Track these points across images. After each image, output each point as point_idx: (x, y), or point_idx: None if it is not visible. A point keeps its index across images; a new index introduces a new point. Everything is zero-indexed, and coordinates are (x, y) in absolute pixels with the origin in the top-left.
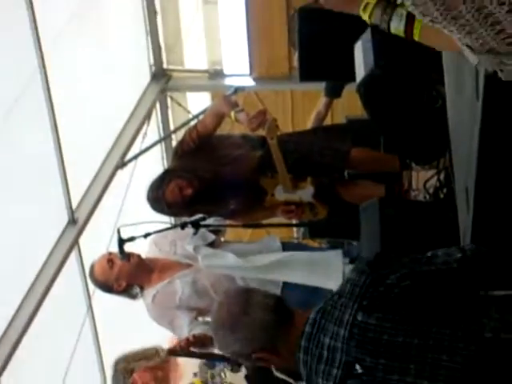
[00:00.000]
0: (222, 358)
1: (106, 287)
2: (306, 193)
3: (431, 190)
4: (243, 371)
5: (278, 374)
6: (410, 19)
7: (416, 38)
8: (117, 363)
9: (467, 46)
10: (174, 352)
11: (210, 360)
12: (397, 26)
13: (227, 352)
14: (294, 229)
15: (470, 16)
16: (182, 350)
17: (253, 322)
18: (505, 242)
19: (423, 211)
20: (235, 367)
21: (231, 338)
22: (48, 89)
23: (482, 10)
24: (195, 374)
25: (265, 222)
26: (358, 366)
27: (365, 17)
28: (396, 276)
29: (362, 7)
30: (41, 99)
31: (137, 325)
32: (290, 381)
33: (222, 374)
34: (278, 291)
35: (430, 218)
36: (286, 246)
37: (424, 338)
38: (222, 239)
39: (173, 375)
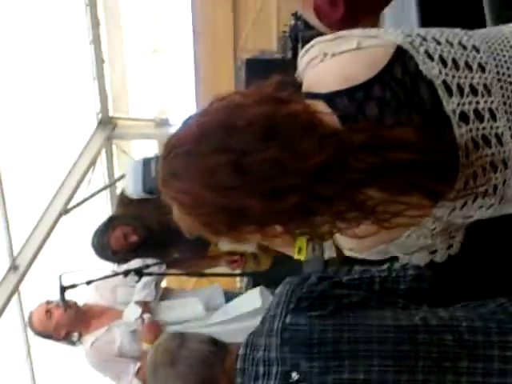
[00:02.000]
0: None
1: (45, 336)
2: (251, 244)
3: None
4: None
5: None
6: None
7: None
8: None
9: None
10: None
11: None
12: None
13: None
14: (237, 278)
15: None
16: None
17: (191, 353)
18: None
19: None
20: None
21: (172, 373)
22: None
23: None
24: None
25: (208, 271)
26: (294, 374)
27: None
28: (316, 276)
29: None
30: None
31: (76, 370)
32: None
33: None
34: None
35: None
36: (230, 296)
37: (353, 331)
38: (164, 284)
39: None
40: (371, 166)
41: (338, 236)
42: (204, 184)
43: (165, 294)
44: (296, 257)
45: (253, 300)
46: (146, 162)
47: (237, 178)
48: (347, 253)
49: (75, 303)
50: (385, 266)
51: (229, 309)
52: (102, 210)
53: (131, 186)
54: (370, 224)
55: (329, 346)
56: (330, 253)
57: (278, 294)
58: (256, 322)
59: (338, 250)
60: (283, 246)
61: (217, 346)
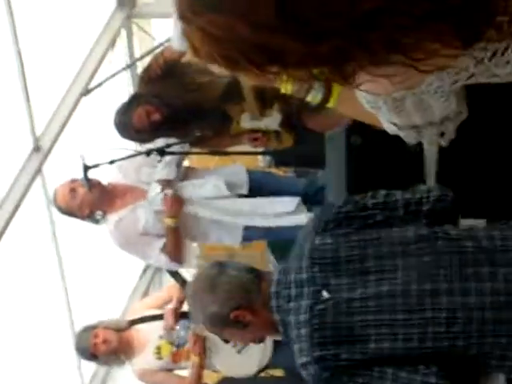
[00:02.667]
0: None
1: (69, 214)
2: (273, 120)
3: None
4: None
5: None
6: (328, 88)
7: (331, 105)
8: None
9: (393, 123)
10: (135, 322)
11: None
12: (315, 95)
13: (204, 317)
14: (260, 157)
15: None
16: None
17: (230, 280)
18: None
19: (390, 140)
20: None
21: (210, 298)
22: (11, 14)
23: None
24: (161, 337)
25: (230, 149)
26: (324, 293)
27: (285, 87)
28: (343, 200)
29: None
30: (5, 25)
31: (101, 249)
32: None
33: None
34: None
35: (397, 147)
36: (252, 175)
37: (377, 246)
38: (187, 163)
39: (136, 342)
40: (423, 11)
41: (356, 92)
42: (243, 19)
43: (187, 173)
44: (281, 85)
45: (288, 205)
46: None
47: (280, 17)
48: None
49: (99, 182)
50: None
51: (259, 202)
52: (123, 90)
53: (176, 41)
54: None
55: (355, 262)
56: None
57: (308, 222)
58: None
59: None
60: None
61: (253, 273)
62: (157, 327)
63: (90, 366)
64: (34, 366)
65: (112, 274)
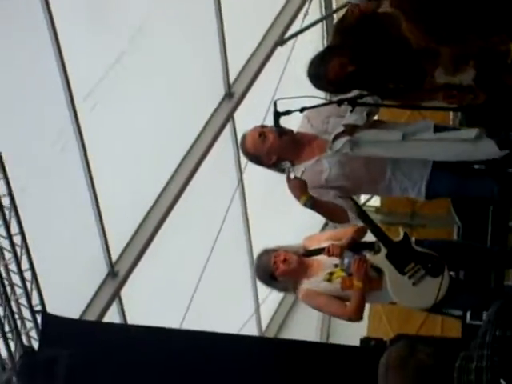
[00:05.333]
0: (364, 246)
1: (256, 160)
2: (467, 76)
3: None
4: (383, 251)
5: (418, 248)
6: None
7: None
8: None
9: None
10: (313, 252)
11: (353, 250)
12: None
13: None
14: (451, 116)
15: None
16: None
17: (419, 363)
18: None
19: None
20: (376, 250)
21: (400, 375)
22: None
23: None
24: (336, 265)
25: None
26: (502, 381)
27: None
28: None
29: None
30: None
31: (285, 200)
32: (432, 253)
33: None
34: (427, 172)
35: None
36: (441, 130)
37: None
38: (376, 117)
39: (312, 268)
40: None
41: None
42: None
43: (375, 124)
44: None
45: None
46: None
47: None
48: None
49: (291, 130)
50: None
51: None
52: (318, 42)
53: None
54: None
55: None
56: None
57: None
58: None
59: None
60: None
61: (440, 360)
62: (332, 258)
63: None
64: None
65: (294, 224)
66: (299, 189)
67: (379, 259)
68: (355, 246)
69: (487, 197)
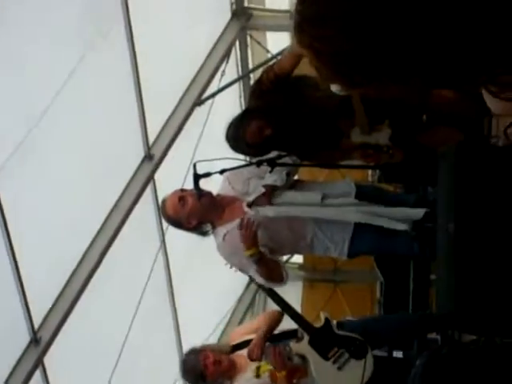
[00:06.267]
0: (286, 335)
1: (177, 224)
2: (383, 135)
3: None
4: (306, 338)
5: (339, 332)
6: None
7: None
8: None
9: None
10: (237, 346)
11: (275, 341)
12: None
13: None
14: (369, 173)
15: None
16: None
17: None
18: None
19: (503, 157)
20: (299, 338)
21: None
22: (130, 26)
23: None
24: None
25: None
26: None
27: None
28: None
29: None
30: (121, 35)
31: (208, 261)
32: (354, 335)
33: (287, 348)
34: (348, 235)
35: (510, 164)
36: (361, 188)
37: None
38: (296, 177)
39: (239, 365)
40: None
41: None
42: (345, 31)
43: (295, 185)
44: None
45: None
46: None
47: (385, 28)
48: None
49: (209, 193)
50: None
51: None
52: (235, 101)
53: None
54: None
55: None
56: None
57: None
58: None
59: None
60: None
61: None
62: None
63: None
64: None
65: (217, 286)
66: (252, 239)
67: (302, 346)
68: (277, 335)
69: (408, 254)
